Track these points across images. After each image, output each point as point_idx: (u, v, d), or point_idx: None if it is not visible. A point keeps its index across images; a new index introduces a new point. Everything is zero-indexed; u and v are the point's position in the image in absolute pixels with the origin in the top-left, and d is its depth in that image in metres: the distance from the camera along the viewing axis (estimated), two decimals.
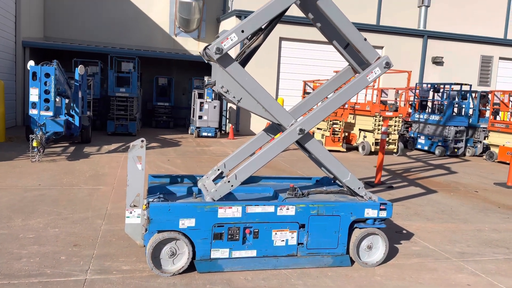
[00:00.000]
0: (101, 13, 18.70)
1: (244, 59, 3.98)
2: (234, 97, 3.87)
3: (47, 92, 9.69)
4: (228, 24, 18.28)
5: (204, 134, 15.57)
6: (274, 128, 4.66)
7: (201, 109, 15.46)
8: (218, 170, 4.48)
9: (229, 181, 3.95)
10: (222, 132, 17.23)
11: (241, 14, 16.96)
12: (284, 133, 4.08)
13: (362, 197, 4.42)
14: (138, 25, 19.20)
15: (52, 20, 18.21)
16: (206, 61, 3.84)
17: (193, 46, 19.93)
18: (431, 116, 14.43)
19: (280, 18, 3.84)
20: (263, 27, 3.84)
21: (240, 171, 3.98)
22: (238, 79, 3.73)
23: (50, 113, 9.66)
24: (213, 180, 4.41)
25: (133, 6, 18.98)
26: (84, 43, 18.19)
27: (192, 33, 19.84)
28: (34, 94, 9.62)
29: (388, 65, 4.13)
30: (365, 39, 4.05)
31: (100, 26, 18.74)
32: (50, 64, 9.89)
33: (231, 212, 3.86)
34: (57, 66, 10.03)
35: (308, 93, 16.14)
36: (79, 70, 11.60)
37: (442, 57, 19.37)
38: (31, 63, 9.98)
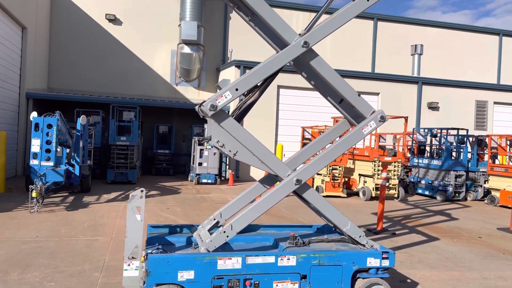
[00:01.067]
0: (104, 65, 19.28)
1: (241, 114, 4.08)
2: (230, 150, 3.93)
3: (48, 142, 9.79)
4: (228, 73, 18.80)
5: (204, 180, 15.56)
6: (271, 178, 4.69)
7: (201, 156, 15.55)
8: (214, 219, 4.46)
9: (224, 232, 3.93)
10: (222, 178, 17.21)
11: (240, 64, 17.49)
12: (281, 184, 4.10)
13: (363, 245, 4.37)
14: (140, 76, 19.73)
15: (56, 71, 18.74)
16: (202, 117, 3.93)
17: (193, 95, 20.37)
18: (430, 161, 14.50)
19: (275, 76, 3.96)
20: (258, 84, 3.96)
21: (236, 221, 3.97)
22: (233, 133, 3.81)
23: (51, 163, 9.71)
24: (209, 230, 4.38)
25: (136, 58, 19.59)
26: (87, 93, 18.60)
27: (193, 82, 20.35)
28: (35, 145, 9.72)
29: (383, 119, 4.22)
30: (359, 95, 4.16)
31: (103, 77, 19.26)
32: (52, 115, 10.07)
33: (231, 263, 3.81)
34: (59, 117, 10.21)
35: (307, 139, 16.30)
36: (81, 120, 11.79)
37: (438, 103, 19.75)
38: (34, 114, 10.16)
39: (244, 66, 17.51)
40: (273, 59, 3.76)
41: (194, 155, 16.09)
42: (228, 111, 14.43)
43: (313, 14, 21.82)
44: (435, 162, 14.16)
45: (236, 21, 20.31)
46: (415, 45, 21.52)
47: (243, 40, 19.96)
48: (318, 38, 3.67)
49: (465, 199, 14.11)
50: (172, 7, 19.97)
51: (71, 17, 18.84)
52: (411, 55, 21.73)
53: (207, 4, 19.79)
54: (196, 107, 3.88)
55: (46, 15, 18.13)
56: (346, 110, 4.36)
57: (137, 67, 19.66)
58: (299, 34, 3.73)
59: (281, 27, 3.63)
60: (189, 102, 19.63)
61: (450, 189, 13.58)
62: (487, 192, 14.07)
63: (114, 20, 19.29)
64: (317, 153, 4.54)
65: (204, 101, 3.71)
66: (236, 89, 3.70)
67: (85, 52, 19.07)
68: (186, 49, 19.27)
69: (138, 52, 19.65)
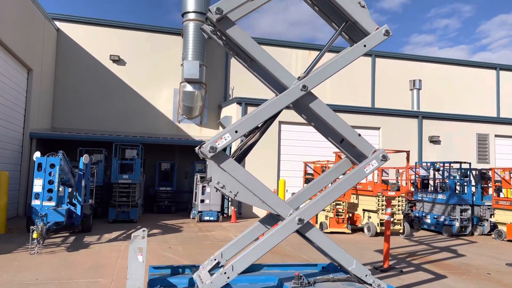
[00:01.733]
0: (108, 104, 19.57)
1: (241, 155, 4.10)
2: (230, 191, 3.92)
3: (51, 182, 9.80)
4: (229, 110, 19.02)
5: (206, 218, 15.40)
6: (273, 217, 4.65)
7: (203, 193, 15.47)
8: (215, 260, 4.39)
9: (225, 273, 3.85)
10: (225, 215, 17.05)
11: (241, 101, 17.72)
12: (283, 223, 4.06)
13: (370, 285, 4.27)
14: (143, 114, 19.98)
15: (60, 111, 19.01)
16: (202, 158, 3.95)
17: (195, 132, 20.53)
18: (434, 195, 14.37)
19: (276, 117, 4.00)
20: (259, 125, 4.00)
21: (237, 262, 3.90)
22: (233, 174, 3.81)
23: (53, 203, 9.68)
24: (210, 271, 4.29)
25: (139, 97, 19.92)
26: (90, 132, 18.78)
27: (195, 119, 20.56)
28: (38, 185, 9.72)
29: (384, 158, 4.23)
30: (359, 135, 4.19)
31: (106, 116, 19.50)
32: (55, 155, 10.13)
33: None
34: (62, 156, 10.26)
35: (310, 174, 16.25)
36: (84, 159, 11.84)
37: (439, 136, 19.81)
38: (37, 154, 10.23)
39: (246, 103, 17.73)
40: (272, 102, 3.81)
41: (196, 192, 16.02)
42: (230, 150, 14.50)
43: (312, 52, 22.32)
44: (440, 196, 14.04)
45: (236, 67, 20.76)
46: (414, 80, 21.86)
47: (244, 78, 20.32)
48: (316, 82, 3.74)
49: (471, 234, 13.88)
50: (175, 48, 20.50)
51: (76, 58, 19.31)
52: (410, 90, 22.03)
53: (209, 43, 20.31)
54: (196, 149, 3.91)
55: (52, 56, 18.59)
56: (347, 150, 4.38)
57: (140, 105, 19.94)
58: (298, 78, 3.80)
59: (279, 72, 3.71)
60: (191, 139, 19.76)
61: (457, 224, 13.38)
62: (494, 226, 13.86)
63: (118, 60, 19.76)
64: (320, 192, 4.52)
65: (203, 143, 3.74)
66: (236, 131, 3.73)
67: (89, 91, 19.41)
68: (189, 88, 19.61)
69: (141, 90, 19.99)
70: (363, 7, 3.66)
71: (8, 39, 13.52)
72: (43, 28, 17.02)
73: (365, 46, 3.76)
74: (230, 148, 14.66)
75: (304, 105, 3.96)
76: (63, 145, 17.54)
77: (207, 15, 3.47)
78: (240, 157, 4.06)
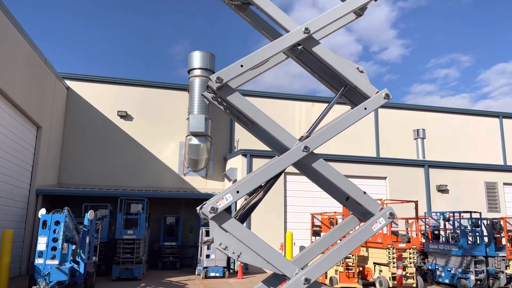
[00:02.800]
0: (114, 159, 19.75)
1: (245, 214, 4.06)
2: (233, 252, 3.84)
3: (55, 240, 9.70)
4: (235, 162, 19.09)
5: (212, 274, 14.98)
6: (278, 277, 4.50)
7: (208, 248, 15.16)
8: None
9: None
10: (231, 271, 16.58)
11: (247, 153, 17.83)
12: (288, 283, 3.94)
13: None
14: (148, 168, 20.09)
15: (67, 166, 19.16)
16: (203, 219, 3.92)
17: (201, 184, 20.49)
18: (446, 246, 13.99)
19: (278, 177, 4.00)
20: (262, 184, 3.99)
21: None
22: (235, 234, 3.75)
23: (56, 262, 9.52)
24: None
25: (145, 150, 20.13)
26: (96, 187, 18.80)
27: (200, 172, 20.60)
28: (42, 243, 9.62)
29: (392, 215, 4.18)
30: (365, 192, 4.17)
31: (113, 170, 19.62)
32: (61, 212, 10.10)
33: None
34: (67, 213, 10.23)
35: (317, 226, 15.96)
36: (89, 215, 11.77)
37: (446, 185, 19.61)
38: (42, 211, 10.21)
39: (251, 154, 17.84)
40: (274, 163, 3.83)
41: (201, 247, 15.70)
42: (235, 206, 14.41)
43: (315, 104, 22.73)
44: (452, 247, 13.65)
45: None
46: (417, 130, 22.01)
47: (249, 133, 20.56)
48: (318, 143, 3.78)
49: (488, 287, 13.33)
50: (181, 102, 20.99)
51: (85, 115, 19.76)
52: (414, 139, 22.12)
53: None
54: (197, 208, 3.88)
55: (61, 113, 19.05)
56: (353, 208, 4.33)
57: (146, 159, 20.09)
58: (300, 138, 3.84)
59: (281, 134, 3.76)
60: (196, 192, 19.69)
61: (472, 277, 12.89)
62: (510, 278, 13.34)
63: (125, 116, 20.19)
64: (327, 250, 4.41)
65: (204, 203, 3.72)
66: (237, 192, 3.71)
67: (96, 146, 19.67)
68: (194, 141, 19.83)
69: (147, 144, 20.23)
70: (362, 72, 3.77)
71: (19, 98, 13.94)
72: (53, 87, 17.59)
73: (365, 109, 3.83)
74: (236, 204, 14.55)
75: (306, 165, 3.96)
76: (68, 200, 17.53)
77: (207, 83, 3.58)
78: (244, 216, 4.01)
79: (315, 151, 3.82)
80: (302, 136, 4.00)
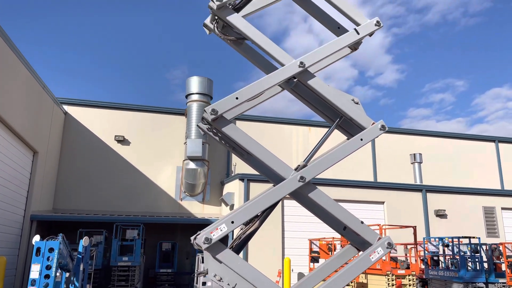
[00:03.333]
0: (110, 184, 19.62)
1: (241, 244, 4.00)
2: (228, 284, 3.78)
3: (48, 267, 9.50)
4: (232, 186, 19.00)
5: None
6: None
7: (204, 275, 14.88)
8: None
9: None
10: None
11: (244, 177, 17.76)
12: None
13: None
14: (145, 193, 19.94)
15: (62, 191, 19.00)
16: (197, 249, 3.86)
17: (197, 209, 20.32)
18: (446, 272, 13.81)
19: (275, 207, 3.97)
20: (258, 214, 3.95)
21: None
22: (230, 265, 3.69)
23: None
24: None
25: (142, 175, 20.03)
26: (91, 212, 18.61)
27: (197, 197, 20.46)
28: (35, 271, 9.42)
29: (390, 245, 4.14)
30: (362, 222, 4.14)
31: (109, 195, 19.46)
32: (55, 239, 9.94)
33: None
34: (62, 239, 10.07)
35: (315, 252, 15.77)
36: (83, 242, 11.59)
37: (445, 210, 19.52)
38: (36, 238, 10.04)
39: (248, 179, 17.77)
40: (269, 193, 3.80)
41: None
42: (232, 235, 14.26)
43: (312, 128, 22.83)
44: (452, 274, 13.47)
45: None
46: (414, 154, 22.06)
47: None
48: (314, 173, 3.77)
49: None
50: (179, 127, 21.04)
51: (82, 139, 19.74)
52: (411, 163, 22.14)
53: None
54: (191, 238, 3.83)
55: (58, 138, 19.03)
56: (351, 237, 4.30)
57: (143, 184, 19.97)
58: (297, 167, 3.84)
59: (276, 164, 3.75)
60: (193, 217, 19.50)
61: None
62: None
63: (122, 140, 20.19)
64: (325, 279, 4.34)
65: (199, 233, 3.67)
66: (232, 222, 3.67)
67: (92, 172, 19.56)
68: (191, 165, 19.78)
69: (144, 169, 20.15)
70: (357, 103, 3.81)
71: (16, 123, 13.94)
72: (51, 112, 17.63)
73: (362, 140, 3.85)
74: (232, 233, 14.39)
75: (303, 195, 3.94)
76: (63, 226, 17.30)
77: (203, 115, 3.60)
78: (240, 246, 3.96)
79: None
80: (299, 165, 3.99)
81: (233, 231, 15.54)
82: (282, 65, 3.58)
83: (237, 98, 3.50)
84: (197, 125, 3.90)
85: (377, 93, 74.07)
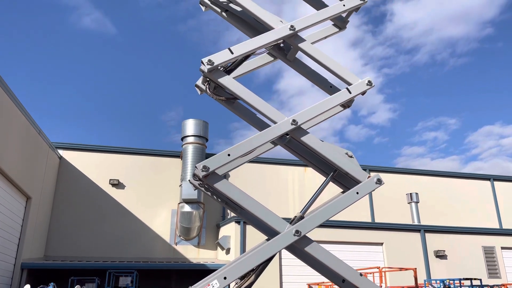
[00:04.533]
0: (104, 229, 19.27)
1: None
2: None
3: None
4: (228, 229, 18.71)
5: None
6: None
7: None
8: None
9: None
10: None
11: (240, 220, 17.53)
12: None
13: None
14: (139, 238, 19.57)
15: (55, 238, 18.60)
16: None
17: (193, 254, 19.88)
18: None
19: (270, 260, 3.88)
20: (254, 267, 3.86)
21: None
22: None
23: None
24: None
25: (136, 219, 19.73)
26: (84, 259, 18.14)
27: (192, 241, 20.08)
28: None
29: None
30: (361, 274, 4.06)
31: (103, 241, 19.06)
32: None
33: None
34: None
35: None
36: None
37: (444, 250, 19.23)
38: (27, 287, 9.75)
39: (244, 222, 17.53)
40: (264, 247, 3.75)
41: None
42: None
43: (308, 169, 22.82)
44: None
45: (235, 177, 21.04)
46: (410, 194, 21.99)
47: None
48: (310, 227, 3.74)
49: None
50: (174, 170, 20.98)
51: (76, 184, 19.57)
52: (408, 203, 22.03)
53: None
54: None
55: (52, 183, 18.86)
56: None
57: (137, 228, 19.63)
58: (293, 220, 3.80)
59: (270, 218, 3.72)
60: (188, 262, 19.05)
61: None
62: None
63: (117, 184, 20.03)
64: None
65: None
66: (225, 278, 3.57)
67: (86, 217, 19.26)
68: (187, 208, 19.56)
69: (138, 213, 19.87)
70: (351, 157, 3.84)
71: (11, 169, 13.86)
72: (46, 157, 17.58)
73: (357, 193, 3.85)
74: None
75: (299, 249, 3.88)
76: (55, 274, 16.79)
77: (194, 171, 3.61)
78: None
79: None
80: (296, 217, 3.95)
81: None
82: (274, 122, 3.63)
83: (229, 155, 3.52)
84: (188, 180, 3.89)
85: (371, 131, 74.80)
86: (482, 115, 72.93)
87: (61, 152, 19.81)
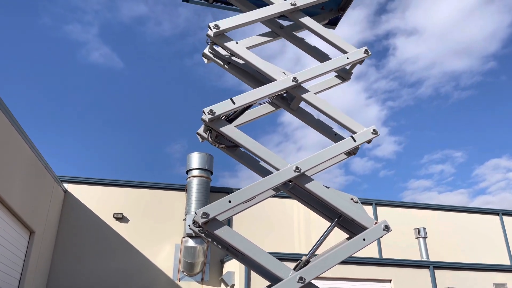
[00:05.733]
0: (107, 264, 19.00)
1: None
2: None
3: None
4: (231, 265, 18.36)
5: None
6: None
7: None
8: None
9: None
10: None
11: None
12: None
13: None
14: (142, 273, 19.24)
15: (56, 273, 18.33)
16: None
17: None
18: None
19: None
20: None
21: None
22: None
23: None
24: None
25: (139, 254, 19.47)
26: None
27: (196, 277, 19.69)
28: None
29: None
30: None
31: (105, 276, 18.75)
32: None
33: None
34: None
35: None
36: None
37: None
38: None
39: None
40: None
41: None
42: None
43: None
44: None
45: (239, 219, 20.86)
46: (418, 229, 21.60)
47: (249, 230, 20.15)
48: (314, 274, 3.66)
49: None
50: (178, 203, 20.87)
51: (80, 218, 19.48)
52: (416, 238, 21.62)
53: (212, 197, 20.73)
54: None
55: (56, 217, 18.79)
56: None
57: (140, 264, 19.34)
58: (296, 266, 3.73)
59: (273, 265, 3.66)
60: None
61: None
62: None
63: (121, 218, 19.91)
64: None
65: None
66: None
67: (88, 251, 19.05)
68: (191, 242, 19.29)
69: (142, 248, 19.63)
70: (356, 202, 3.81)
71: (16, 203, 13.84)
72: (51, 190, 17.59)
73: (364, 240, 3.79)
74: None
75: None
76: None
77: (193, 218, 3.61)
78: None
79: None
80: (301, 260, 3.88)
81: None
82: (277, 169, 3.64)
83: (230, 201, 3.51)
84: (188, 226, 3.86)
85: (376, 164, 74.47)
86: (489, 148, 72.51)
87: (66, 185, 19.83)
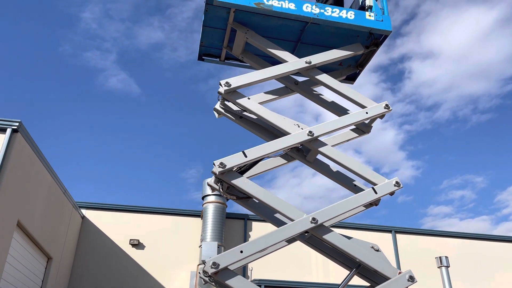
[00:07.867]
0: None
1: None
2: None
3: None
4: None
5: None
6: None
7: None
8: None
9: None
10: None
11: (261, 284, 16.94)
12: None
13: None
14: None
15: None
16: None
17: None
18: None
19: None
20: None
21: None
22: None
23: None
24: None
25: (155, 281, 19.32)
26: None
27: None
28: None
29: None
30: None
31: None
32: None
33: None
34: None
35: None
36: None
37: None
38: None
39: (265, 285, 16.97)
40: None
41: None
42: None
43: None
44: None
45: (255, 235, 20.66)
46: (440, 257, 20.86)
47: (264, 258, 19.85)
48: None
49: None
50: (194, 229, 20.78)
51: (97, 244, 19.53)
52: (438, 267, 20.92)
53: (228, 223, 20.59)
54: None
55: (74, 243, 18.89)
56: None
57: None
58: None
59: None
60: None
61: None
62: None
63: (137, 244, 19.89)
64: None
65: None
66: (241, 251, 3.40)
67: (104, 278, 19.01)
68: None
69: (157, 275, 19.50)
70: (377, 251, 3.68)
71: (35, 230, 13.99)
72: (69, 217, 17.76)
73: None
74: None
75: None
76: None
77: (204, 268, 3.55)
78: None
79: None
80: None
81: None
82: (291, 220, 3.57)
83: (241, 252, 3.46)
84: (199, 274, 3.80)
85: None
86: (510, 173, 70.60)
87: (84, 211, 20.00)
